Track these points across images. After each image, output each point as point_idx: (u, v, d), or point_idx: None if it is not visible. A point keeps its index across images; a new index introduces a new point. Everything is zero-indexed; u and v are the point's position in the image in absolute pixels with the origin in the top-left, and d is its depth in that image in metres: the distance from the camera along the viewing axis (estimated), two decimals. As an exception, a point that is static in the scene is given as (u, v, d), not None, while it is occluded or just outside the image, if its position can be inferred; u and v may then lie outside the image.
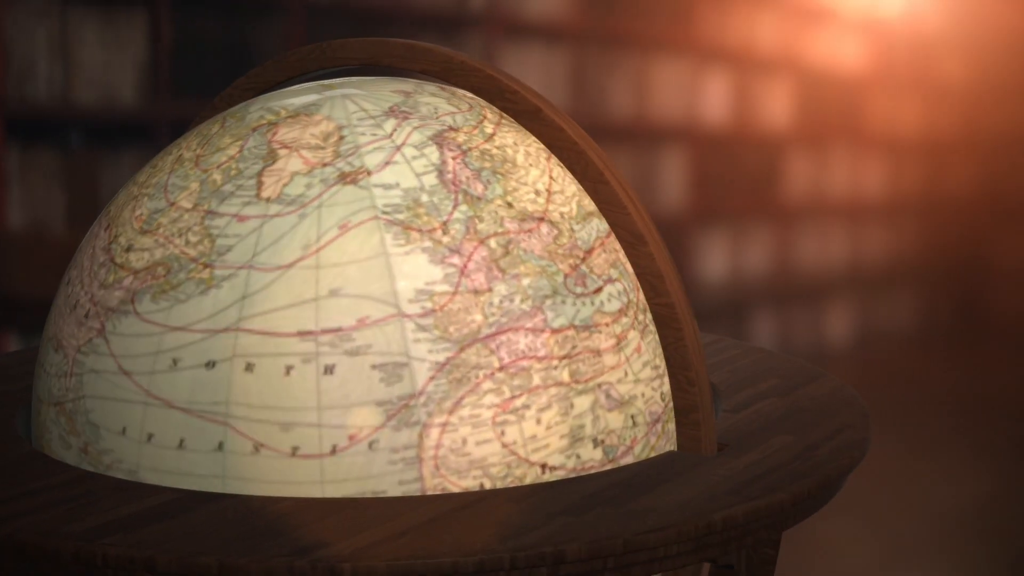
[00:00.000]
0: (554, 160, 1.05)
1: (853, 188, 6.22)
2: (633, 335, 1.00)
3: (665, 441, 1.02)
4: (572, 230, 1.00)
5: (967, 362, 5.40)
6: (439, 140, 1.00)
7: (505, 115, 1.07)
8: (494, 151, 1.02)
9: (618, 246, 1.03)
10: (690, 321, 1.03)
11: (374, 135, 1.00)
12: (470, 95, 1.09)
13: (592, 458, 0.96)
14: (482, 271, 0.95)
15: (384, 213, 0.95)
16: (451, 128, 1.02)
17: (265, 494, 0.91)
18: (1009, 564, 3.21)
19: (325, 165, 0.97)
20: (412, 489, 0.91)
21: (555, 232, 0.99)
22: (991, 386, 5.02)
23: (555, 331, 0.96)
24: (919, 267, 6.52)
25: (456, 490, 0.91)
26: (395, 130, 1.00)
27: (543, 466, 0.94)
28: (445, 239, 0.95)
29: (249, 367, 0.91)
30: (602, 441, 0.97)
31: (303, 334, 0.92)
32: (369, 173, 0.97)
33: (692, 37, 5.08)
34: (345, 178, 0.97)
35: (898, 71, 6.24)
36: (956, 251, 6.54)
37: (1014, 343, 5.77)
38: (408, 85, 1.07)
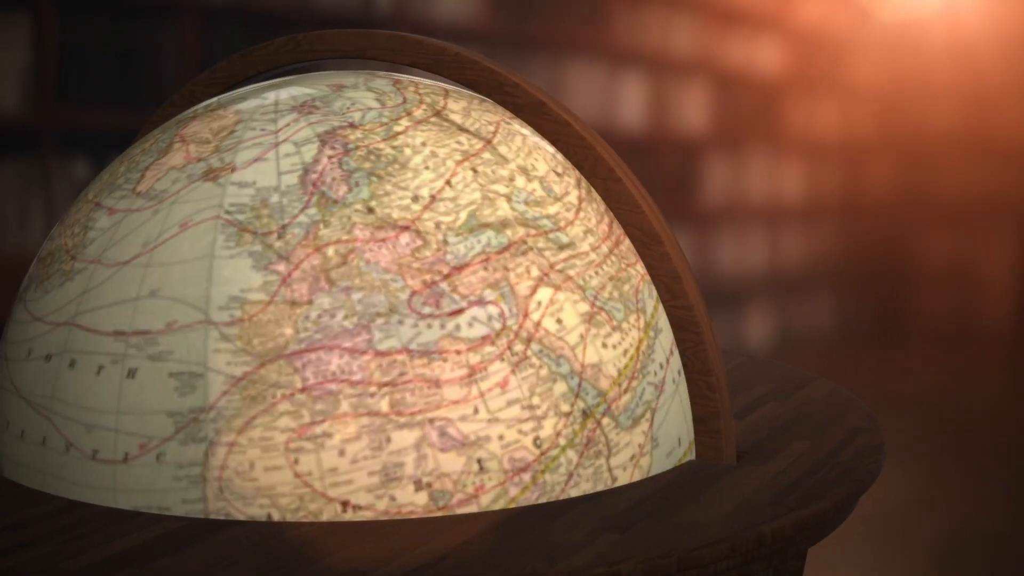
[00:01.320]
0: (471, 164, 0.93)
1: (771, 191, 6.07)
2: (498, 368, 0.87)
3: (538, 493, 0.87)
4: (445, 242, 0.89)
5: (885, 364, 5.21)
6: (326, 137, 0.92)
7: (445, 117, 0.97)
8: (387, 151, 0.92)
9: (508, 264, 0.90)
10: (708, 324, 0.96)
11: (262, 130, 0.93)
12: (427, 88, 1.00)
13: (413, 502, 0.85)
14: (307, 281, 0.86)
15: (227, 213, 0.89)
16: (350, 125, 0.93)
17: (70, 496, 0.88)
18: (928, 565, 3.09)
19: (200, 160, 0.93)
20: (195, 510, 0.84)
21: (417, 243, 0.88)
22: (909, 387, 4.85)
23: (380, 354, 0.85)
24: (838, 269, 6.39)
25: (241, 517, 0.84)
26: (287, 126, 0.93)
27: (344, 503, 0.84)
28: (277, 244, 0.87)
29: (72, 363, 0.89)
30: (428, 484, 0.85)
31: (117, 334, 0.88)
32: (233, 170, 0.91)
33: (606, 40, 4.85)
34: (208, 175, 0.91)
35: (815, 74, 6.10)
36: (874, 253, 6.35)
37: (932, 344, 5.52)
38: (352, 78, 1.00)
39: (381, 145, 0.92)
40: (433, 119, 0.96)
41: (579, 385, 0.90)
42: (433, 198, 0.90)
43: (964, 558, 3.21)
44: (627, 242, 0.99)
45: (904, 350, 5.40)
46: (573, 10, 4.81)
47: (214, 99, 1.00)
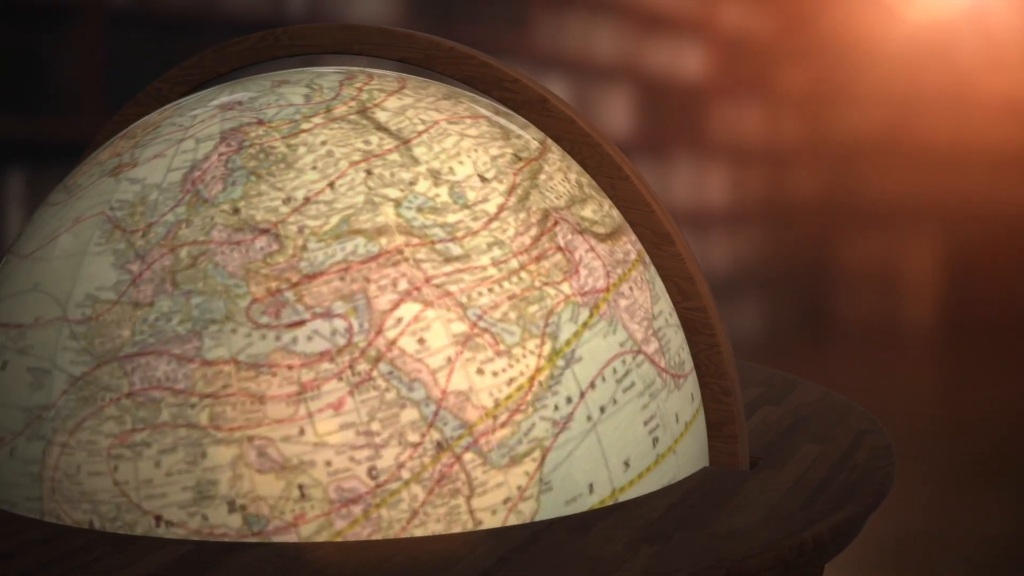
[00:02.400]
0: (368, 166, 0.86)
1: (696, 196, 6.00)
2: (334, 387, 0.79)
3: (371, 530, 0.79)
4: (303, 248, 0.82)
5: (812, 365, 5.06)
6: (228, 134, 0.88)
7: (369, 115, 0.90)
8: (280, 150, 0.87)
9: (371, 275, 0.82)
10: (721, 326, 0.94)
11: (179, 126, 0.91)
12: (378, 84, 0.93)
13: (226, 524, 0.79)
14: (153, 282, 0.82)
15: (111, 209, 0.87)
16: (258, 122, 0.88)
17: (-38, 481, 0.89)
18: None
19: (118, 155, 0.91)
20: (33, 509, 0.83)
21: (273, 248, 0.82)
22: (835, 388, 4.72)
23: (207, 363, 0.80)
24: (763, 273, 6.38)
25: (68, 522, 0.82)
26: (200, 122, 0.90)
27: (157, 518, 0.80)
28: (140, 242, 0.84)
29: (-26, 352, 0.90)
30: (243, 507, 0.79)
31: (3, 326, 0.88)
32: (135, 166, 0.89)
33: (528, 44, 4.67)
34: (114, 171, 0.90)
35: (738, 78, 6.05)
36: (800, 257, 6.34)
37: (858, 347, 5.35)
38: (304, 74, 0.95)
39: (277, 143, 0.87)
40: (352, 117, 0.89)
41: (435, 413, 0.81)
42: (307, 200, 0.84)
43: (881, 555, 3.00)
44: (557, 258, 0.88)
45: (830, 352, 5.25)
46: (494, 13, 4.54)
47: (185, 98, 0.99)
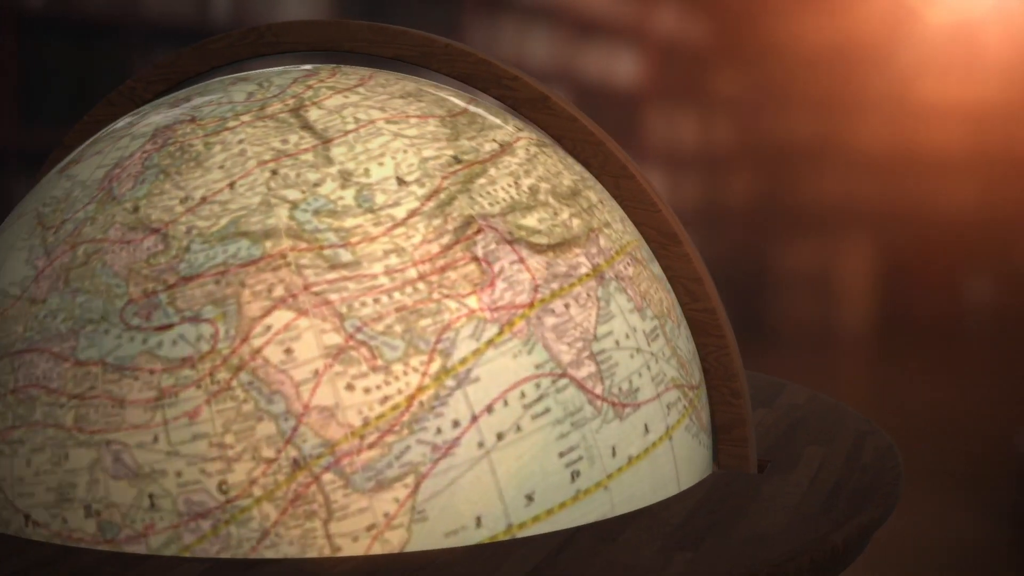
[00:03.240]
0: (276, 166, 0.81)
1: None
2: (192, 395, 0.75)
3: (220, 547, 0.74)
4: (186, 249, 0.79)
5: (748, 370, 3.38)
6: (160, 131, 0.86)
7: (299, 114, 0.86)
8: (198, 148, 0.84)
9: (248, 280, 0.77)
10: (730, 328, 0.92)
11: (127, 123, 0.89)
12: (331, 82, 0.89)
13: (82, 529, 0.77)
14: (50, 279, 0.81)
15: (43, 205, 0.87)
16: (191, 119, 0.86)
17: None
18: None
19: (74, 152, 0.91)
20: (-57, 497, 0.84)
21: (159, 248, 0.79)
22: None
23: (79, 363, 0.78)
24: None
25: (-36, 512, 0.82)
26: (143, 119, 0.88)
27: (27, 517, 0.78)
28: (51, 239, 0.83)
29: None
30: (98, 512, 0.76)
31: (-49, 317, 0.89)
32: (78, 163, 0.88)
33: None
34: (63, 167, 0.89)
35: (673, 84, 5.98)
36: (735, 261, 6.20)
37: (793, 350, 5.28)
38: (261, 74, 0.92)
39: (197, 141, 0.84)
40: (283, 115, 0.85)
41: (294, 429, 0.76)
42: (203, 200, 0.81)
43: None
44: (469, 269, 0.81)
45: (767, 355, 5.23)
46: (425, 19, 4.22)
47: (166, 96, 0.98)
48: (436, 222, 0.82)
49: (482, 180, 0.85)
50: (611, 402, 0.83)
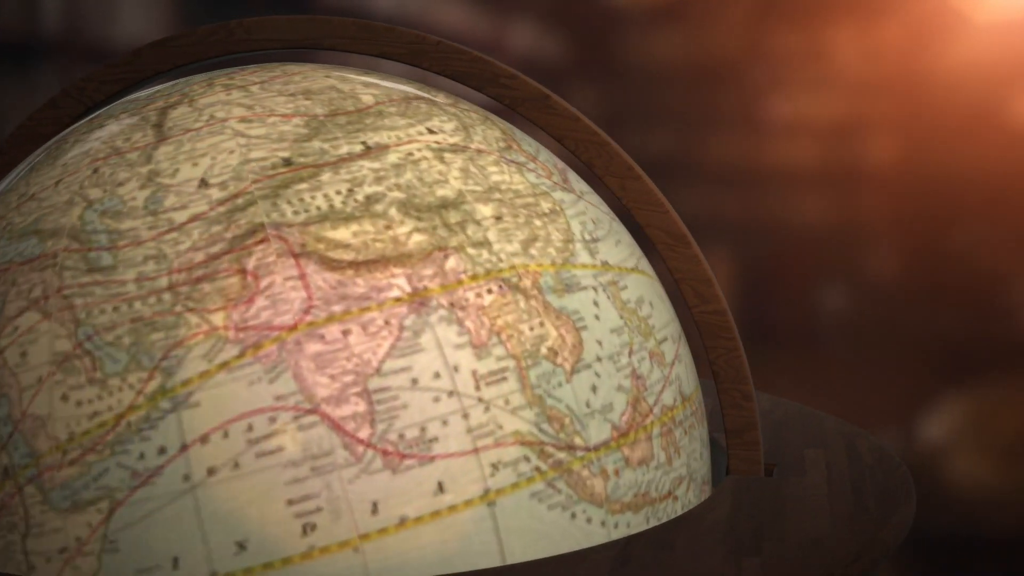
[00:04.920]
0: (104, 164, 0.78)
1: None
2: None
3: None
4: (-6, 244, 0.77)
5: None
6: (80, 126, 0.86)
7: (167, 113, 0.81)
8: (75, 140, 0.83)
9: (18, 279, 0.74)
10: (736, 331, 0.92)
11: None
12: (256, 81, 0.83)
13: None
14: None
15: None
16: (107, 116, 0.85)
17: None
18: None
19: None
20: None
21: (-20, 242, 0.78)
22: None
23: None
24: None
25: None
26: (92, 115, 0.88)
27: None
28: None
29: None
30: None
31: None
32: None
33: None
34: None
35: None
36: None
37: None
38: (194, 76, 0.88)
39: (72, 138, 0.83)
40: (150, 113, 0.81)
41: (10, 436, 0.72)
42: (32, 197, 0.79)
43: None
44: (229, 282, 0.72)
45: None
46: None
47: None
48: (215, 228, 0.74)
49: (303, 185, 0.76)
50: (381, 450, 0.71)
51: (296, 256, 0.73)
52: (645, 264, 0.88)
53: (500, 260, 0.77)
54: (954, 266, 1.64)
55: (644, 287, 0.85)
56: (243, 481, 0.70)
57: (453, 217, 0.77)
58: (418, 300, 0.74)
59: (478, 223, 0.78)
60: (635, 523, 0.78)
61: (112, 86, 0.96)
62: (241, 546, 0.69)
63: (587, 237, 0.83)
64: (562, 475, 0.75)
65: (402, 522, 0.71)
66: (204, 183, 0.76)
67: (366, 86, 0.85)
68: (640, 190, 0.90)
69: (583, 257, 0.81)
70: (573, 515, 0.75)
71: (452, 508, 0.72)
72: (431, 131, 0.82)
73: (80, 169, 0.80)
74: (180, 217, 0.75)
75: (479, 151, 0.82)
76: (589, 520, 0.76)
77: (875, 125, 1.67)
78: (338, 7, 2.08)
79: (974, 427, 1.56)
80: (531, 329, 0.76)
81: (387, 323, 0.73)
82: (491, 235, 0.78)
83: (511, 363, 0.74)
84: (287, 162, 0.77)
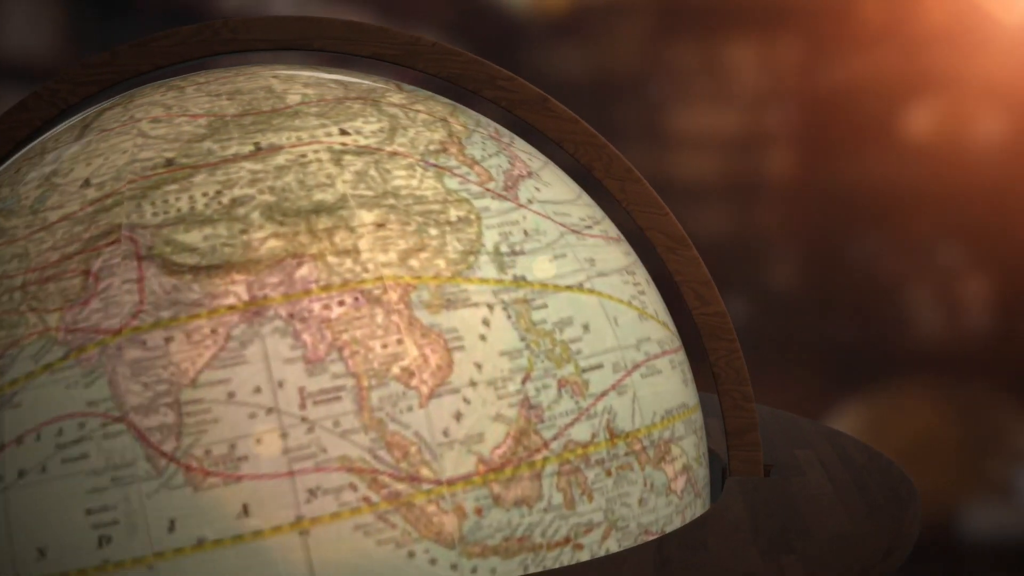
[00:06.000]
0: (17, 165, 0.78)
1: None
2: None
3: None
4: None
5: None
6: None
7: (100, 115, 0.80)
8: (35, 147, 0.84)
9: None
10: (735, 333, 0.93)
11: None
12: (199, 82, 0.82)
13: None
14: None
15: None
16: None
17: None
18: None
19: None
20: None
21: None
22: None
23: None
24: None
25: None
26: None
27: None
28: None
29: None
30: None
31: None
32: None
33: None
34: None
35: None
36: None
37: None
38: (149, 85, 0.86)
39: (48, 134, 0.84)
40: (91, 115, 0.82)
41: None
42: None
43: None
44: (72, 283, 0.70)
45: None
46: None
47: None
48: (77, 228, 0.73)
49: (173, 187, 0.73)
50: (184, 465, 0.67)
51: (141, 259, 0.71)
52: (606, 284, 0.79)
53: (365, 270, 0.71)
54: (849, 276, 1.68)
55: (582, 308, 0.76)
56: (48, 486, 0.68)
57: (322, 223, 0.72)
58: (253, 309, 0.69)
59: (351, 230, 0.72)
60: (504, 570, 0.70)
61: (88, 87, 0.90)
62: (42, 553, 0.68)
63: (504, 250, 0.75)
64: (398, 508, 0.68)
65: (200, 543, 0.67)
66: (87, 183, 0.75)
67: (307, 86, 0.81)
68: (640, 192, 0.89)
69: (485, 271, 0.74)
70: (411, 554, 0.68)
71: (257, 533, 0.67)
72: (344, 132, 0.77)
73: (12, 166, 0.81)
74: (53, 216, 0.74)
75: (394, 154, 0.77)
76: (433, 561, 0.68)
77: (773, 138, 1.68)
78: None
79: (870, 433, 1.61)
80: (384, 347, 0.70)
81: (213, 332, 0.69)
82: (363, 243, 0.72)
83: (349, 382, 0.69)
84: (169, 163, 0.75)
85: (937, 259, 1.71)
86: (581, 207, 0.84)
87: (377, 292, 0.71)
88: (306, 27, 0.88)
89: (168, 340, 0.69)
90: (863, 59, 1.69)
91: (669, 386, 0.81)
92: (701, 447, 0.84)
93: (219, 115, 0.78)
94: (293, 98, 0.79)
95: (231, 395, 0.68)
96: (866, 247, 1.72)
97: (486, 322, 0.72)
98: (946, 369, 1.67)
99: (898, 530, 0.82)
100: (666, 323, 0.85)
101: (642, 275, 0.85)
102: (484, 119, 0.88)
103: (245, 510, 0.67)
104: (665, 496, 0.78)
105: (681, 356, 0.85)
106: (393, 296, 0.71)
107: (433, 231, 0.74)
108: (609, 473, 0.74)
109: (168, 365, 0.68)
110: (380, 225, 0.73)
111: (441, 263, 0.73)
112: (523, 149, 0.86)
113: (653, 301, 0.84)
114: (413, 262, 0.72)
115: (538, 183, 0.82)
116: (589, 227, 0.82)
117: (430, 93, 0.89)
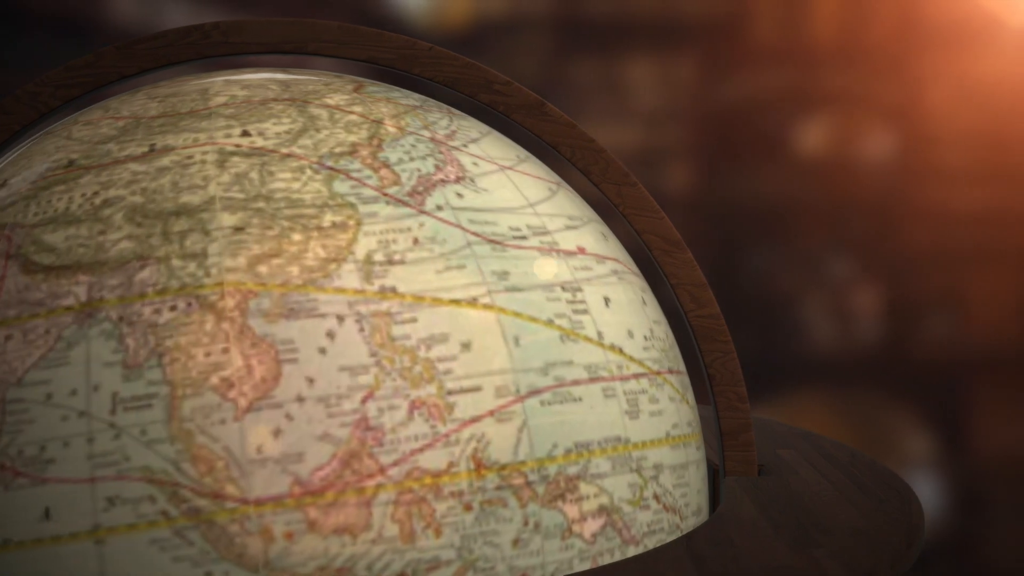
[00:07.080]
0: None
1: None
2: None
3: None
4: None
5: None
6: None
7: (77, 118, 0.82)
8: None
9: None
10: (729, 334, 0.94)
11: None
12: (151, 89, 0.82)
13: None
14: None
15: None
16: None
17: None
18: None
19: None
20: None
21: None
22: None
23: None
24: None
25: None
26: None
27: None
28: None
29: None
30: None
31: None
32: None
33: None
34: None
35: None
36: None
37: None
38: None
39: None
40: (67, 120, 0.83)
41: None
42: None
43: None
44: (-48, 279, 0.71)
45: None
46: None
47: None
48: (-25, 228, 0.74)
49: (60, 187, 0.73)
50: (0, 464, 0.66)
51: (8, 258, 0.71)
52: (516, 299, 0.72)
53: (207, 275, 0.68)
54: (746, 289, 1.71)
55: (466, 325, 0.70)
56: None
57: (179, 225, 0.70)
58: (87, 311, 0.68)
59: (206, 233, 0.69)
60: (316, 602, 0.64)
61: (71, 90, 0.88)
62: None
63: (379, 258, 0.70)
64: (198, 526, 0.64)
65: (5, 544, 0.66)
66: (4, 184, 0.77)
67: (245, 87, 0.79)
68: (636, 196, 0.90)
69: (346, 280, 0.69)
70: (208, 574, 0.64)
71: (56, 539, 0.65)
72: (246, 134, 0.74)
73: (-13, 170, 0.84)
74: (-36, 217, 0.76)
75: (287, 156, 0.73)
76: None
77: (671, 154, 1.72)
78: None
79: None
80: (207, 355, 0.66)
81: (47, 332, 0.68)
82: (213, 247, 0.69)
83: (164, 389, 0.66)
84: (70, 163, 0.75)
85: (829, 271, 1.71)
86: (526, 216, 0.77)
87: (213, 298, 0.68)
88: (300, 30, 0.86)
89: (8, 338, 0.69)
90: (757, 77, 1.70)
91: (592, 417, 0.72)
92: (650, 488, 0.75)
93: (138, 117, 0.77)
94: (218, 100, 0.78)
95: (49, 396, 0.67)
96: (762, 260, 1.72)
97: (330, 334, 0.67)
98: (839, 377, 1.71)
99: (909, 524, 0.82)
100: (621, 347, 0.76)
101: (598, 292, 0.77)
102: (466, 121, 0.83)
103: (47, 514, 0.66)
104: (560, 539, 0.70)
105: (641, 385, 0.76)
106: (229, 303, 0.68)
107: (296, 236, 0.70)
108: (469, 508, 0.67)
109: (2, 364, 0.68)
110: (239, 229, 0.70)
111: (294, 270, 0.69)
112: (488, 154, 0.80)
113: (608, 323, 0.76)
114: (262, 268, 0.69)
115: (466, 189, 0.75)
116: (523, 238, 0.75)
117: (406, 92, 0.84)
